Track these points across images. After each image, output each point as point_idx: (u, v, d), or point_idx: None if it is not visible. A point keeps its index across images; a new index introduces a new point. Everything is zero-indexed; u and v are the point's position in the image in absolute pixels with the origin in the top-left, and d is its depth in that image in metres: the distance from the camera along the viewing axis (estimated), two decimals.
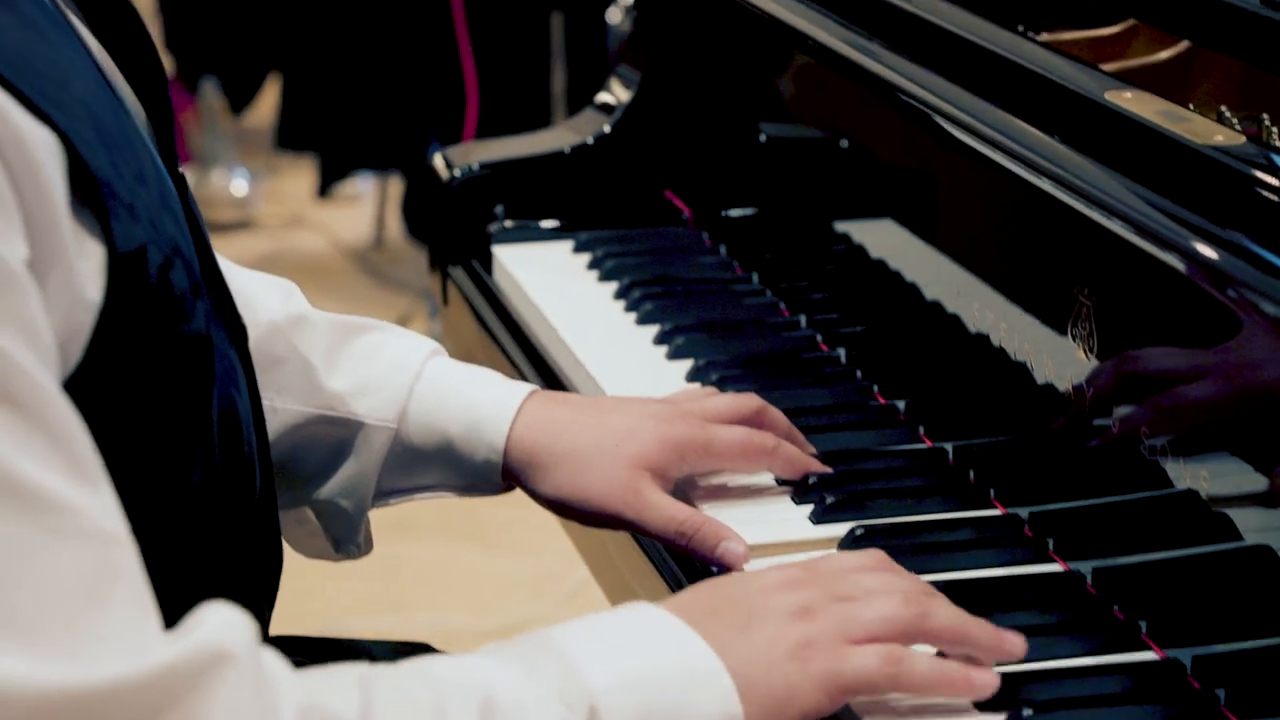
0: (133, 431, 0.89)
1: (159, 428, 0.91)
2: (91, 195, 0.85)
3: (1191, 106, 1.19)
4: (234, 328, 1.02)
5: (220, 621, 0.78)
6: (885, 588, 0.96)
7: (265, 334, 1.21)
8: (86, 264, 0.85)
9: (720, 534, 1.13)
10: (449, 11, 3.44)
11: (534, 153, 1.76)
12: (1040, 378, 1.20)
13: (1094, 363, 1.12)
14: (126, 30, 1.02)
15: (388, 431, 1.21)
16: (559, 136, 1.79)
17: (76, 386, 0.83)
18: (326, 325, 1.25)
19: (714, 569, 1.14)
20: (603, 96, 1.80)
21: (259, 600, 1.08)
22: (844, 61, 1.39)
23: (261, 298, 1.24)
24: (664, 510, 1.14)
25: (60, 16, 0.92)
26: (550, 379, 1.49)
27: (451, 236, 1.74)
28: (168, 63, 4.65)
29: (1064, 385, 1.16)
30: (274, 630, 1.14)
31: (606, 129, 1.76)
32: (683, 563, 1.18)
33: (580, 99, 3.42)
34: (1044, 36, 1.41)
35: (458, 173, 1.73)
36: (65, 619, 0.74)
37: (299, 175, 4.46)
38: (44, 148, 0.82)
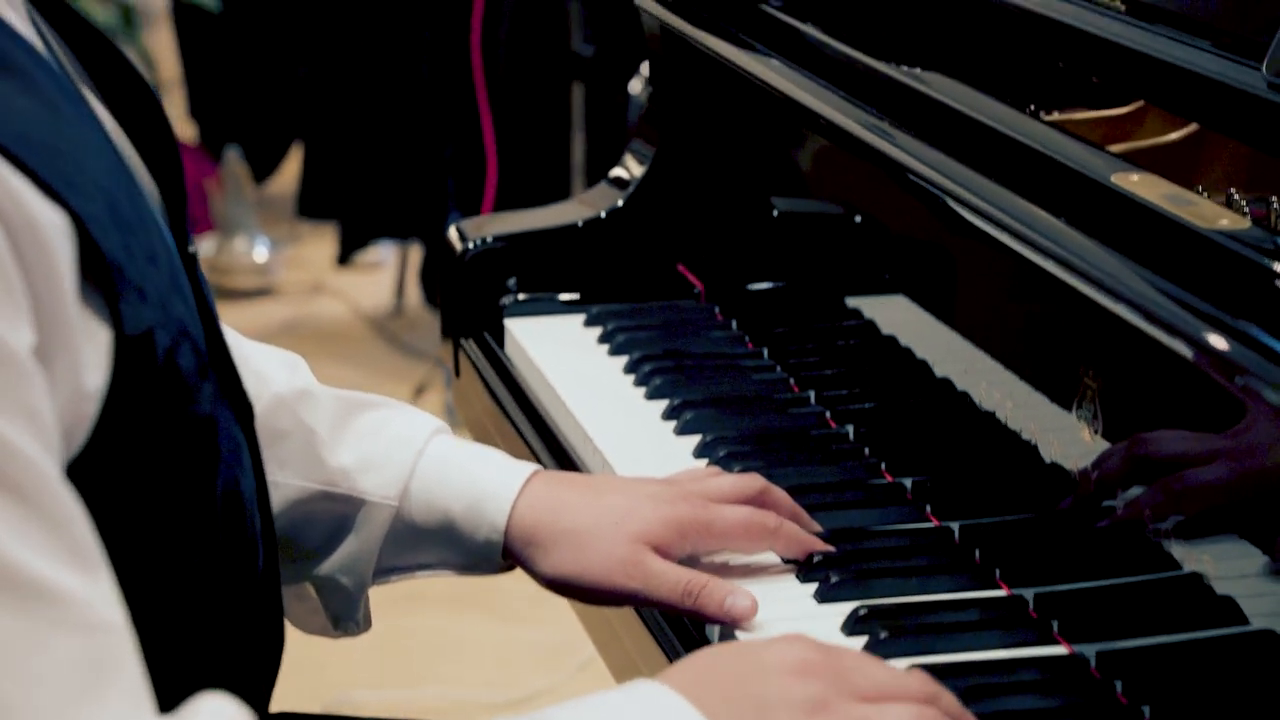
0: (136, 511, 0.89)
1: (163, 508, 0.91)
2: (102, 278, 0.85)
3: (1201, 188, 1.19)
4: (240, 407, 1.02)
5: (214, 710, 0.78)
6: (900, 690, 0.95)
7: (270, 407, 1.21)
8: (93, 348, 0.85)
9: (725, 589, 1.13)
10: (470, 81, 3.46)
11: (547, 226, 1.77)
12: (1047, 458, 1.20)
13: (1101, 444, 1.12)
14: (141, 108, 1.03)
15: (389, 509, 1.21)
16: (572, 210, 1.80)
17: (80, 468, 0.83)
18: (332, 400, 1.25)
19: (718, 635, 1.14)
20: (617, 171, 1.80)
21: (260, 678, 1.08)
22: (855, 141, 1.40)
23: (269, 371, 1.24)
24: (667, 575, 1.14)
25: (77, 94, 0.93)
26: (559, 453, 1.49)
27: (464, 308, 1.74)
28: (191, 130, 4.68)
29: (1071, 466, 1.16)
30: (280, 705, 1.14)
31: (620, 203, 1.76)
32: (682, 634, 1.18)
33: (601, 169, 3.44)
34: (1055, 116, 1.41)
35: (471, 245, 1.73)
36: (59, 712, 0.74)
37: (320, 242, 4.48)
38: (56, 231, 0.82)
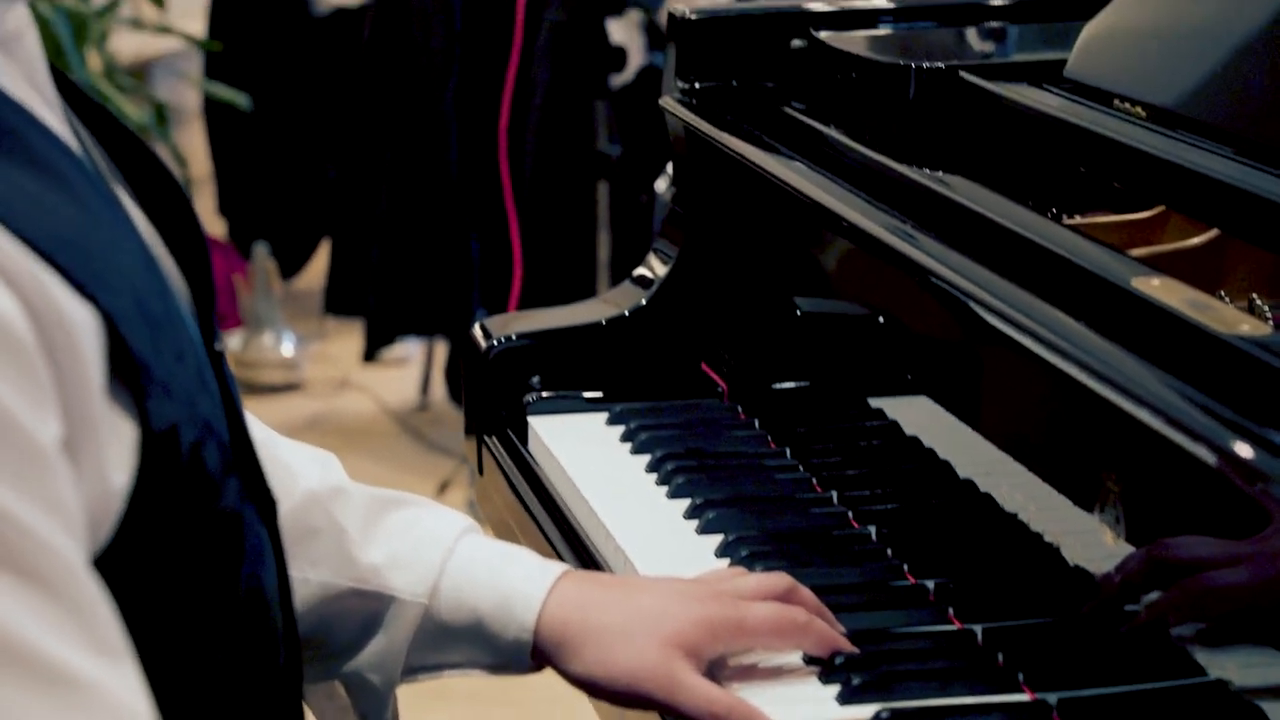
0: (159, 605, 0.89)
1: (186, 602, 0.91)
2: (129, 374, 0.86)
3: (1223, 293, 1.20)
4: (264, 504, 1.02)
5: None
6: None
7: (302, 504, 1.22)
8: (119, 443, 0.85)
9: (751, 715, 1.12)
10: (497, 179, 3.48)
11: (571, 324, 1.77)
12: (1070, 560, 1.19)
13: (1124, 548, 1.12)
14: (172, 206, 1.04)
15: (419, 607, 1.21)
16: (596, 309, 1.81)
17: (105, 561, 0.84)
18: (363, 498, 1.26)
19: None
20: (641, 270, 1.81)
21: None
22: (877, 243, 1.40)
23: (301, 467, 1.25)
24: (698, 692, 1.13)
25: (110, 193, 0.94)
26: (581, 551, 1.49)
27: (488, 406, 1.75)
28: (221, 226, 4.72)
29: (1094, 569, 1.15)
30: None
31: (643, 302, 1.77)
32: None
33: (626, 268, 3.46)
34: (1077, 220, 1.42)
35: (495, 343, 1.74)
36: None
37: (347, 338, 4.50)
38: (85, 327, 0.83)
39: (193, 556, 0.91)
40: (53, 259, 0.82)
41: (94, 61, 3.55)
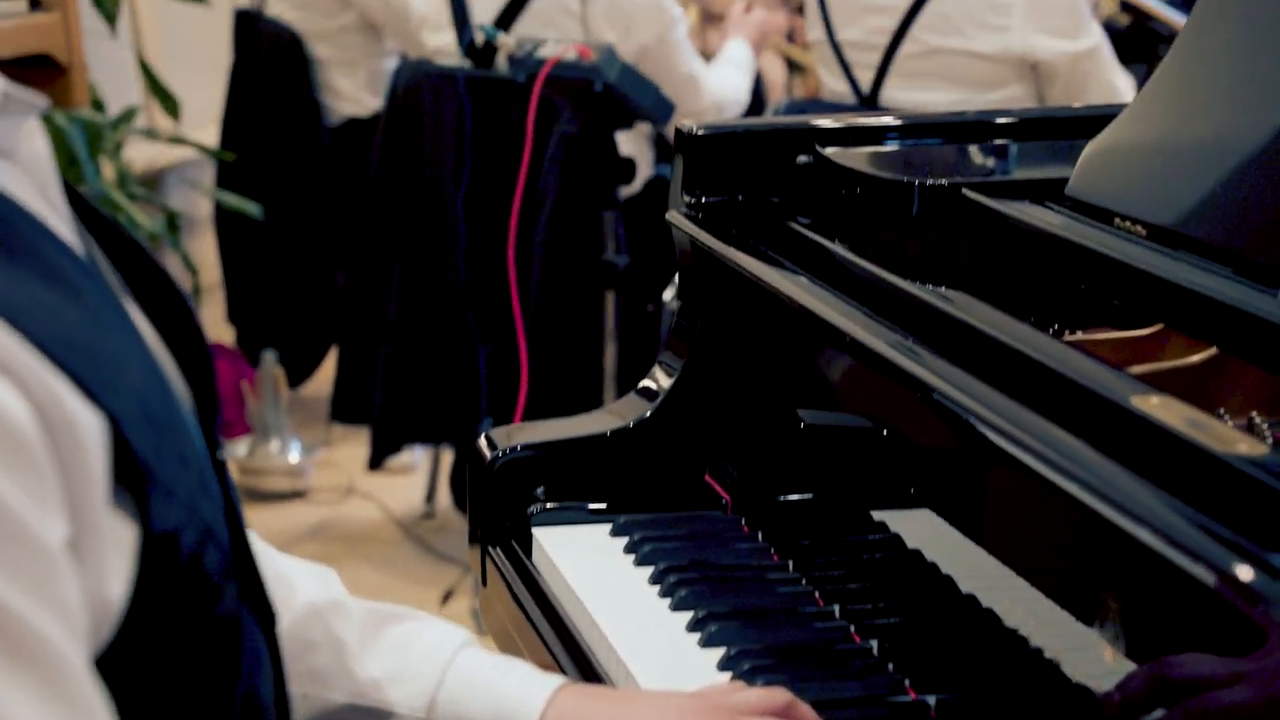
0: (157, 709, 0.90)
1: (183, 707, 0.92)
2: (132, 477, 0.87)
3: (1223, 411, 1.20)
4: (262, 612, 1.03)
5: None
6: None
7: (302, 618, 1.22)
8: (121, 546, 0.86)
9: None
10: (505, 288, 3.50)
11: (576, 435, 1.78)
12: (1072, 677, 1.19)
13: (1125, 665, 1.12)
14: (176, 316, 1.06)
15: None
16: (601, 420, 1.82)
17: (103, 663, 0.84)
18: (362, 612, 1.26)
19: None
20: (645, 382, 1.82)
21: None
22: (879, 359, 1.41)
23: (300, 581, 1.26)
24: None
25: (116, 300, 0.96)
26: (583, 664, 1.49)
27: (492, 517, 1.75)
28: (230, 333, 4.74)
29: (1096, 686, 1.15)
30: None
31: (648, 414, 1.78)
32: None
33: (633, 378, 3.46)
34: (1078, 336, 1.43)
35: (500, 453, 1.75)
36: None
37: (353, 445, 4.51)
38: (92, 431, 0.84)
39: (191, 661, 0.91)
40: (62, 363, 0.84)
41: (108, 170, 3.58)
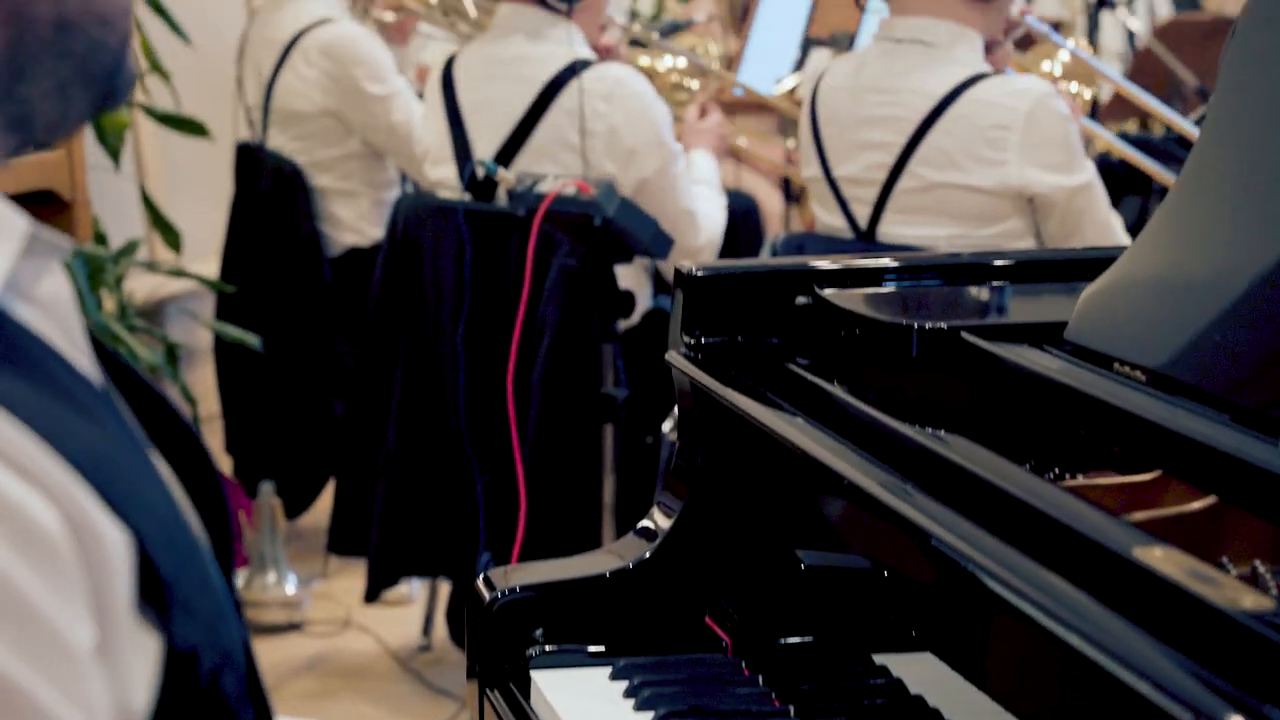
0: None
1: None
2: (155, 593, 0.89)
3: (1226, 559, 1.20)
4: None
5: None
6: None
7: None
8: (144, 658, 0.88)
9: None
10: (504, 421, 3.50)
11: (575, 576, 1.77)
12: None
13: None
14: (187, 451, 1.07)
15: None
16: (600, 560, 1.81)
17: None
18: None
19: None
20: (645, 523, 1.82)
21: None
22: (878, 503, 1.41)
23: None
24: None
25: (135, 435, 0.98)
26: None
27: (490, 659, 1.74)
28: (227, 464, 4.74)
29: None
30: None
31: (647, 555, 1.78)
32: None
33: (631, 510, 3.45)
34: (1079, 480, 1.43)
35: (499, 594, 1.74)
36: None
37: (350, 576, 4.49)
38: (118, 544, 0.86)
39: None
40: (90, 479, 0.86)
41: (108, 303, 3.60)
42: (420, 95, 4.25)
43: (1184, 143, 3.60)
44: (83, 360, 0.97)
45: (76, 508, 0.85)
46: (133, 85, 1.04)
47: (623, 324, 3.63)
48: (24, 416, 0.85)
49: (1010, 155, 2.91)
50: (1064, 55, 3.51)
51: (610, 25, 3.87)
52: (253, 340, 4.07)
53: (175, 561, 0.91)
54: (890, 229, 3.03)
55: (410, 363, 3.80)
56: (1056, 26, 4.83)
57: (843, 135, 3.10)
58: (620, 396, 3.51)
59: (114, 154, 3.67)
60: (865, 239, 3.06)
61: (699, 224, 3.65)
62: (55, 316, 0.96)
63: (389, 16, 4.59)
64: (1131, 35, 6.76)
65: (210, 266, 4.60)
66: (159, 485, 0.95)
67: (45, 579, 0.81)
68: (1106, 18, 6.68)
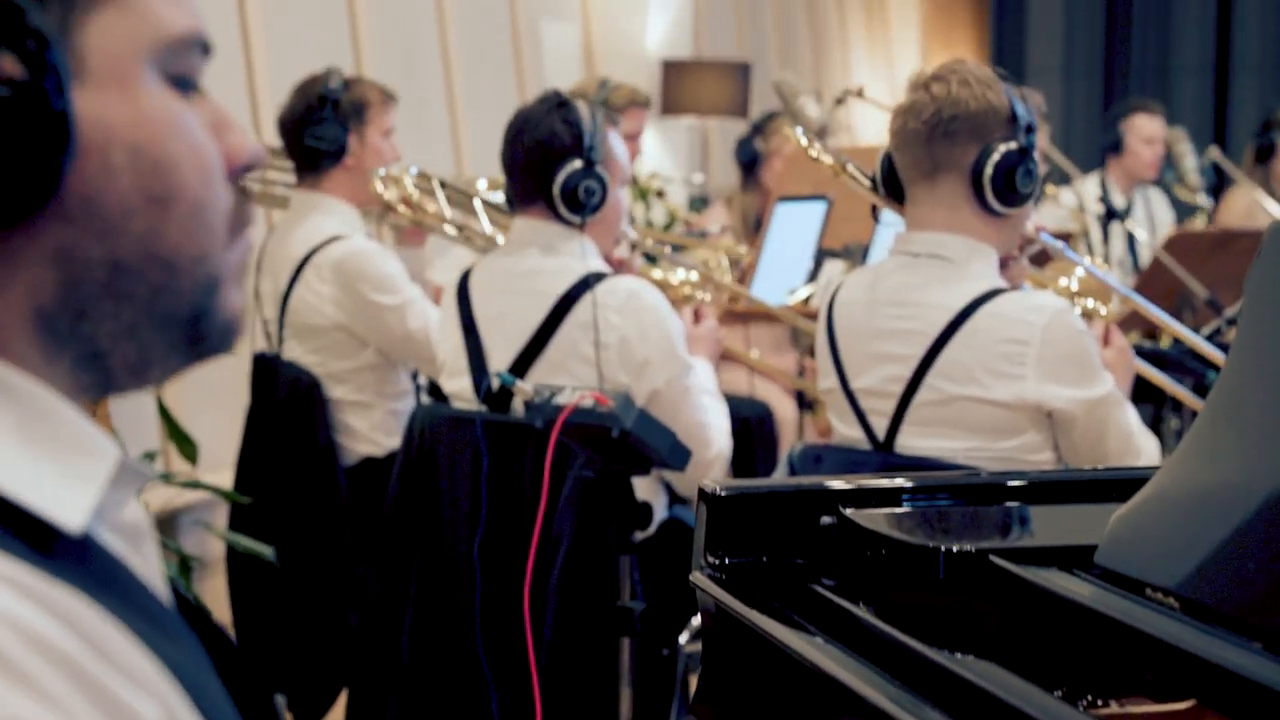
0: None
1: None
2: None
3: None
4: None
5: None
6: None
7: None
8: None
9: None
10: (520, 633, 3.48)
11: None
12: None
13: None
14: (239, 679, 1.07)
15: None
16: None
17: None
18: None
19: None
20: None
21: None
22: None
23: None
24: None
25: (206, 657, 1.00)
26: None
27: None
28: None
29: None
30: None
31: None
32: None
33: None
34: (1112, 707, 1.41)
35: None
36: None
37: None
38: None
39: None
40: (184, 689, 0.90)
41: None
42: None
43: (1196, 355, 3.61)
44: (158, 583, 0.99)
45: (172, 711, 0.88)
46: (235, 332, 1.03)
47: (639, 535, 3.62)
48: (133, 632, 0.88)
49: (1028, 370, 2.92)
50: (1079, 271, 3.55)
51: (623, 238, 3.92)
52: (266, 551, 4.06)
53: None
54: (908, 441, 3.04)
55: (425, 573, 3.78)
56: (1067, 238, 4.89)
57: (860, 347, 3.12)
58: (637, 609, 3.48)
59: None
60: (883, 451, 3.06)
61: (711, 436, 3.66)
62: (135, 542, 0.98)
63: (404, 220, 4.66)
64: (1133, 241, 6.85)
65: (224, 476, 4.60)
66: (226, 702, 0.97)
67: None
68: (1115, 228, 6.77)
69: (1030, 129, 3.01)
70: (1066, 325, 2.92)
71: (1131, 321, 5.10)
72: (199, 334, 1.00)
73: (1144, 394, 4.21)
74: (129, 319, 0.96)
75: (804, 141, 3.34)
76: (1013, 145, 2.96)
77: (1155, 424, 5.61)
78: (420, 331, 4.33)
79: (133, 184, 0.94)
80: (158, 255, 0.96)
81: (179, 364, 1.01)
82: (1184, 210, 8.15)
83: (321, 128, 4.40)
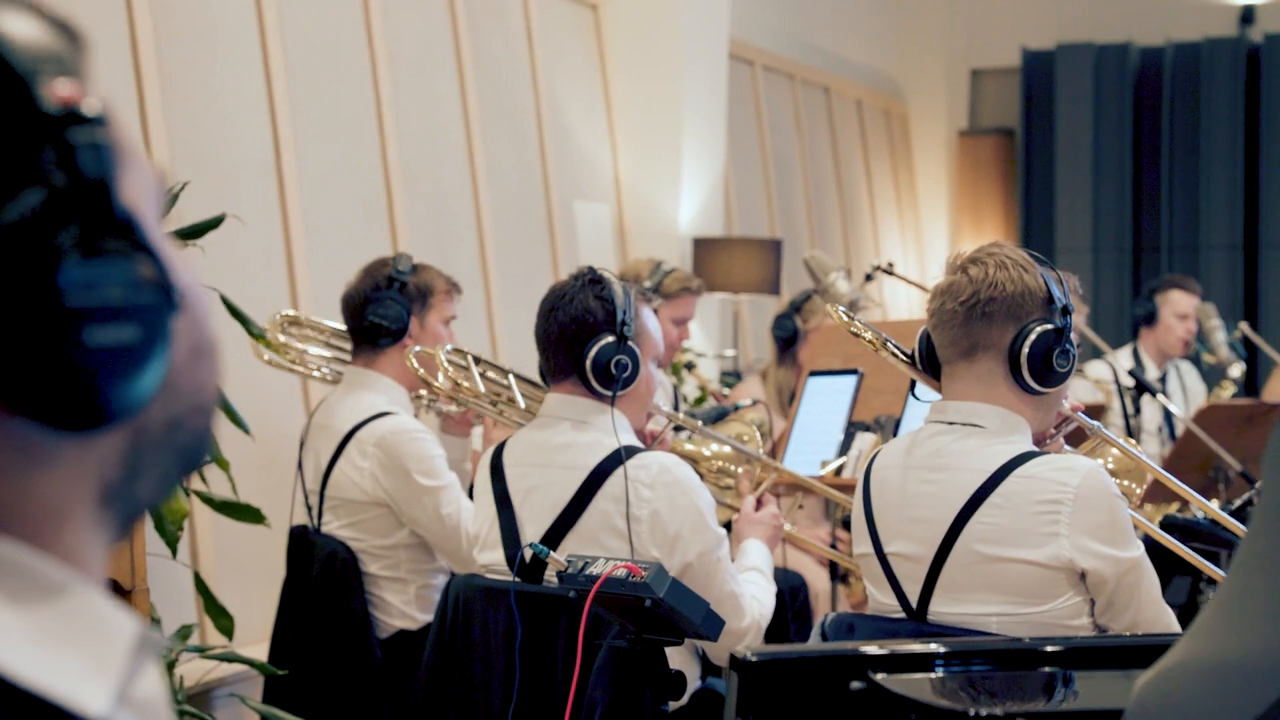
0: None
1: None
2: None
3: None
4: None
5: None
6: None
7: None
8: None
9: None
10: None
11: None
12: None
13: None
14: None
15: None
16: None
17: None
18: None
19: None
20: None
21: None
22: None
23: None
24: None
25: None
26: None
27: None
28: None
29: None
30: None
31: None
32: None
33: None
34: None
35: None
36: None
37: None
38: None
39: None
40: None
41: None
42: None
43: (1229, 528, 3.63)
44: None
45: None
46: (208, 451, 1.06)
47: (672, 705, 3.61)
48: None
49: (1062, 529, 2.94)
50: (1114, 450, 3.58)
51: (655, 413, 3.96)
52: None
53: None
54: (941, 607, 3.04)
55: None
56: (1097, 411, 4.91)
57: (894, 512, 3.14)
58: None
59: (172, 544, 3.73)
60: (916, 618, 3.07)
61: (742, 606, 3.67)
62: (150, 717, 0.97)
63: (452, 408, 4.70)
64: (1168, 414, 6.87)
65: (260, 649, 4.62)
66: None
67: None
68: (1145, 400, 6.80)
69: (1066, 310, 3.07)
70: (1100, 485, 2.95)
71: (1162, 493, 5.11)
72: (200, 458, 1.03)
73: (1179, 567, 4.21)
74: (167, 465, 1.00)
75: (845, 319, 3.39)
76: (1049, 326, 3.02)
77: (1192, 596, 5.59)
78: (451, 518, 4.36)
79: (184, 342, 0.97)
80: (199, 403, 1.00)
81: (177, 484, 1.04)
82: (1215, 375, 8.20)
83: (385, 306, 4.46)
